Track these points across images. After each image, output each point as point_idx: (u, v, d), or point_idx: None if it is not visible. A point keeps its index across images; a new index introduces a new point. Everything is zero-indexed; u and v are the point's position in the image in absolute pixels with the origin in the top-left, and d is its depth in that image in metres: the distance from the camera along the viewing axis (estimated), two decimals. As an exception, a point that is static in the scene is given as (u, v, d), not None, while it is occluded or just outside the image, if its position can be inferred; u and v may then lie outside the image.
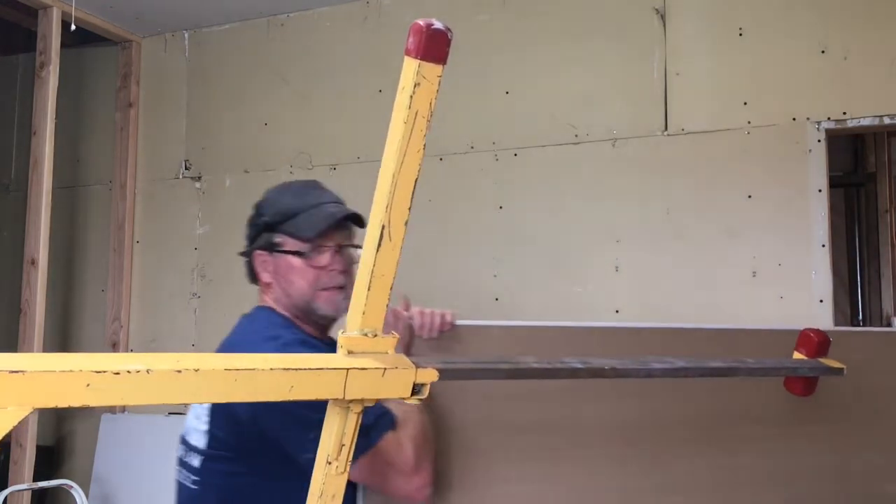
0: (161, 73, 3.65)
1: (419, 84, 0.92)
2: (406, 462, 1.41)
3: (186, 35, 3.60)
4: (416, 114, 0.93)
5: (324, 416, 1.36)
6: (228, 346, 1.58)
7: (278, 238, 1.59)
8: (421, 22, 0.92)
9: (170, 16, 3.47)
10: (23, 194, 3.30)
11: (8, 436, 3.22)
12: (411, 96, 0.92)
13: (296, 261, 1.58)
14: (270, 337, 1.50)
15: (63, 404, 0.79)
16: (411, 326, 1.62)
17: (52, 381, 0.77)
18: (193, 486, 1.54)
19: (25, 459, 3.04)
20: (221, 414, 1.50)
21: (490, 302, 2.95)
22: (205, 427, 1.53)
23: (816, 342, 1.54)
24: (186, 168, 3.54)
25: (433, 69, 0.92)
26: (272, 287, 1.62)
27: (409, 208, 0.97)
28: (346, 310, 1.64)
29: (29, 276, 3.11)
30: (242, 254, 1.67)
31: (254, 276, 1.66)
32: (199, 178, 3.52)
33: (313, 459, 1.39)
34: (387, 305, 1.00)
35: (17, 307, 3.13)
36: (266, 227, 1.61)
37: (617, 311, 2.78)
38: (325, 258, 1.59)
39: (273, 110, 3.40)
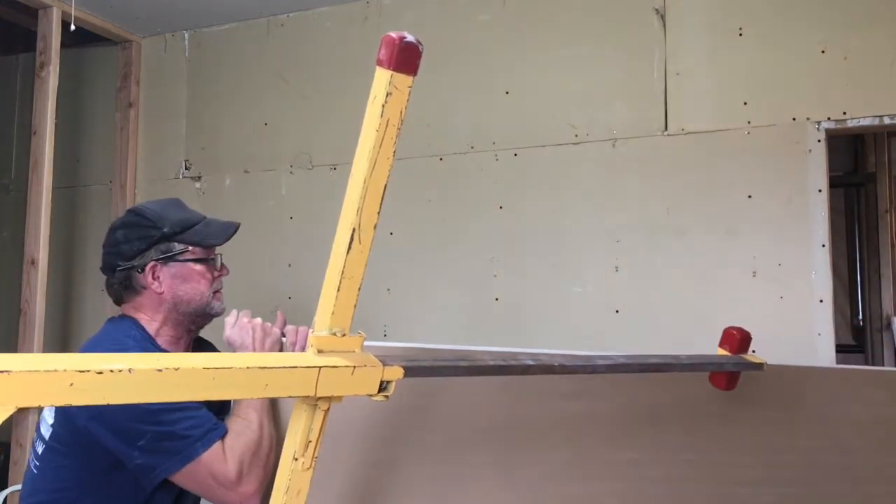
0: (161, 73, 3.65)
1: (391, 94, 0.95)
2: (226, 474, 1.52)
3: (186, 35, 3.61)
4: (388, 122, 0.96)
5: (152, 428, 1.49)
6: (89, 346, 1.72)
7: (180, 247, 1.72)
8: (393, 34, 0.96)
9: (170, 16, 3.47)
10: (23, 194, 3.30)
11: (8, 436, 3.21)
12: (383, 105, 0.95)
13: (200, 267, 1.74)
14: (119, 347, 1.63)
15: (47, 404, 0.82)
16: (281, 342, 1.74)
17: (36, 381, 0.79)
18: (35, 471, 1.68)
19: (25, 459, 3.05)
20: (64, 415, 1.63)
21: (490, 302, 2.95)
22: (52, 421, 1.67)
23: (738, 339, 1.62)
24: (186, 168, 3.55)
25: (404, 80, 0.96)
26: (163, 296, 1.71)
27: (378, 213, 1.02)
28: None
29: (29, 276, 3.11)
30: (125, 269, 1.72)
31: (127, 290, 1.74)
32: (199, 178, 3.52)
33: (142, 465, 1.52)
34: (354, 306, 1.04)
35: (17, 307, 3.14)
36: (164, 238, 1.71)
37: (617, 311, 2.78)
38: (218, 264, 1.80)
39: (273, 110, 3.41)
